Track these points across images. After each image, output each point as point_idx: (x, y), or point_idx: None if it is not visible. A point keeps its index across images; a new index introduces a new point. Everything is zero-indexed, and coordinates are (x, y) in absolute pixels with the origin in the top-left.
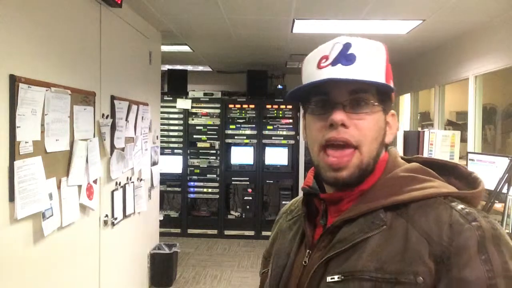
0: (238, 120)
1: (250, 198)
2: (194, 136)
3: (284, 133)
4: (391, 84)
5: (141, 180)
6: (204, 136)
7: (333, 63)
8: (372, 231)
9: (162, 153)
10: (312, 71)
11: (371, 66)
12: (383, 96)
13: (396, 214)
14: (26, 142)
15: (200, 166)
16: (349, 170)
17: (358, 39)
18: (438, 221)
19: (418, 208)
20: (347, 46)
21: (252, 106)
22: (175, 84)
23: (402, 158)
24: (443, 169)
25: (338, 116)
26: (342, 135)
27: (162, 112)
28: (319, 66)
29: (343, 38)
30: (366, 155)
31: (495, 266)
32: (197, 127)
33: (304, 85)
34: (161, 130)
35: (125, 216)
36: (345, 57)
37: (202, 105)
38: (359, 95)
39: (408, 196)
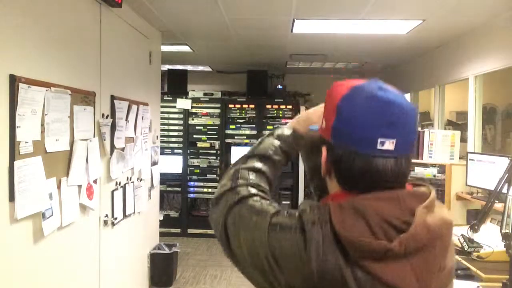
0: (238, 120)
1: None
2: (194, 136)
3: None
4: (322, 121)
5: (141, 180)
6: (204, 136)
7: None
8: None
9: (162, 153)
10: None
11: None
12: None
13: None
14: (26, 142)
15: (200, 166)
16: None
17: None
18: None
19: None
20: None
21: (252, 106)
22: (175, 84)
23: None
24: None
25: None
26: None
27: (162, 112)
28: None
29: None
30: None
31: None
32: (197, 127)
33: None
34: (161, 130)
35: (125, 216)
36: None
37: (202, 105)
38: None
39: None
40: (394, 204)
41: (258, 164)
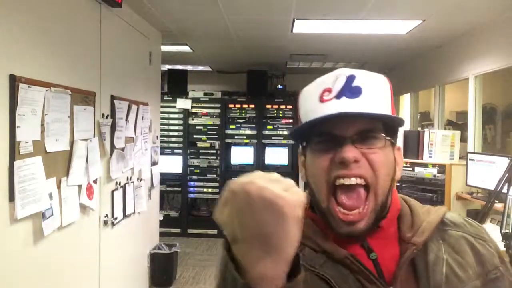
0: (238, 120)
1: None
2: (194, 136)
3: (284, 133)
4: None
5: (141, 180)
6: (204, 136)
7: (338, 96)
8: (441, 245)
9: (162, 153)
10: (313, 106)
11: (378, 100)
12: (389, 130)
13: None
14: (26, 142)
15: (200, 166)
16: (365, 221)
17: (362, 71)
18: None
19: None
20: (351, 78)
21: (252, 106)
22: (175, 84)
23: None
24: None
25: (350, 152)
26: (354, 171)
27: (162, 112)
28: (321, 100)
29: (346, 70)
30: (380, 193)
31: None
32: (197, 127)
33: (314, 120)
34: (161, 130)
35: (125, 216)
36: (350, 90)
37: (202, 105)
38: (367, 132)
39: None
40: None
41: None
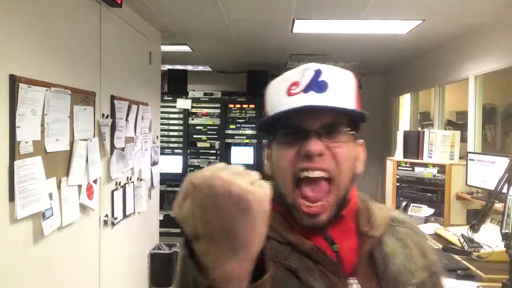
0: (238, 120)
1: None
2: (194, 136)
3: None
4: None
5: (141, 180)
6: (204, 136)
7: (305, 90)
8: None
9: (162, 153)
10: (281, 99)
11: (343, 95)
12: (354, 125)
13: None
14: (26, 142)
15: (200, 166)
16: (327, 213)
17: (328, 67)
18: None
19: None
20: (318, 72)
21: (252, 106)
22: (175, 84)
23: None
24: None
25: (315, 145)
26: (318, 164)
27: (162, 112)
28: (288, 93)
29: (313, 64)
30: (342, 186)
31: None
32: (197, 127)
33: (281, 112)
34: (161, 130)
35: (125, 216)
36: (317, 84)
37: (202, 105)
38: (333, 126)
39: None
40: None
41: None
